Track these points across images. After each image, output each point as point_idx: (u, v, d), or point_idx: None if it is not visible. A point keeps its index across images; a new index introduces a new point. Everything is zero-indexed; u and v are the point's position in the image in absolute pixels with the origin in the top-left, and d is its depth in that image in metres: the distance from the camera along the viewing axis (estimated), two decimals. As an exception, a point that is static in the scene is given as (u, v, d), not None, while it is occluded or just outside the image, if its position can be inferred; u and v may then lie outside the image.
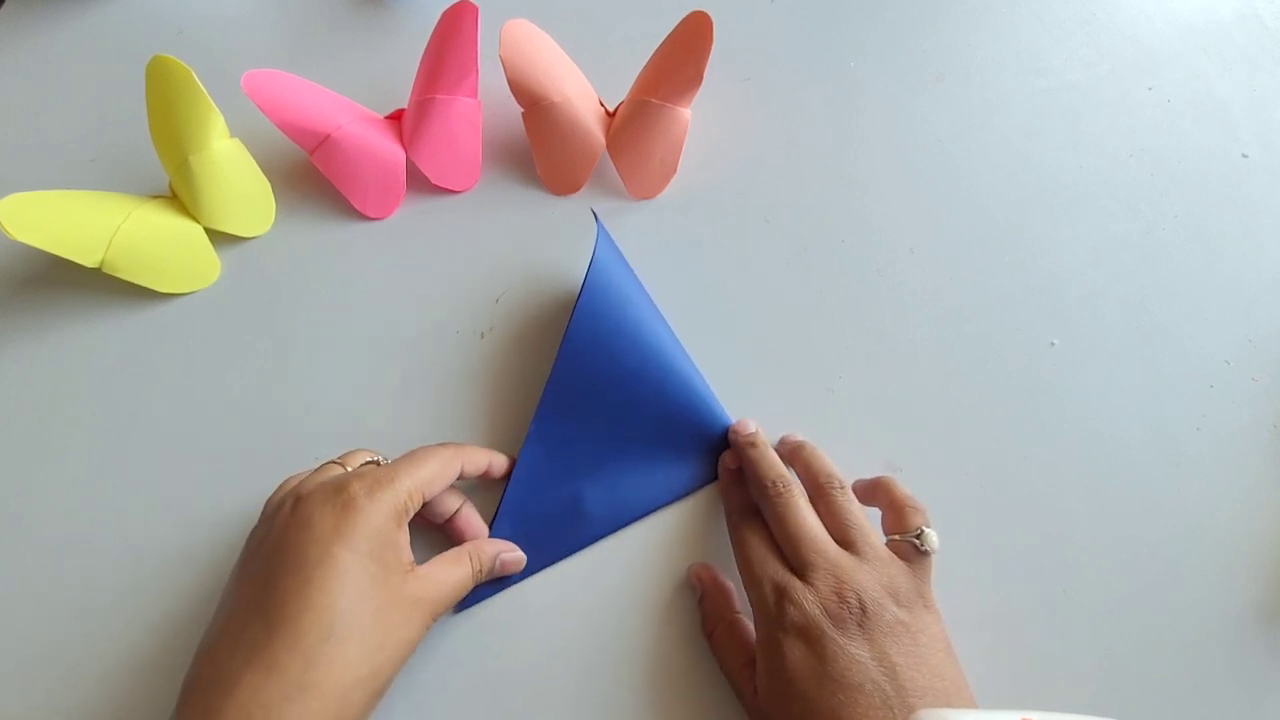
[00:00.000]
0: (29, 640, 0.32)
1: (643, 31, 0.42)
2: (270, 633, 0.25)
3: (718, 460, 0.35)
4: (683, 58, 0.39)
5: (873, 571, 0.28)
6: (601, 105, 0.43)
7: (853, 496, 0.31)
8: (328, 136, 0.40)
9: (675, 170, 0.42)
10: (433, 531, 0.34)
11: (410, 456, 0.30)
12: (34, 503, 0.35)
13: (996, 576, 0.34)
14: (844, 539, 0.30)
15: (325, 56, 0.47)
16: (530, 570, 0.33)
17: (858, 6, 0.49)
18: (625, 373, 0.34)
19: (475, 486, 0.35)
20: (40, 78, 0.47)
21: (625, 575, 0.34)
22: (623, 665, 0.32)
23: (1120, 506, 0.35)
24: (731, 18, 0.46)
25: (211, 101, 0.37)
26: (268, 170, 0.41)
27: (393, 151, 0.41)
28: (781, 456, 0.34)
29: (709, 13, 0.37)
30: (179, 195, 0.39)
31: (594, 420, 0.34)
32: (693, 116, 0.41)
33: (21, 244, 0.34)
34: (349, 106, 0.42)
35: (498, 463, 0.34)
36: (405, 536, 0.28)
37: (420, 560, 0.29)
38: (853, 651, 0.26)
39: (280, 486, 0.30)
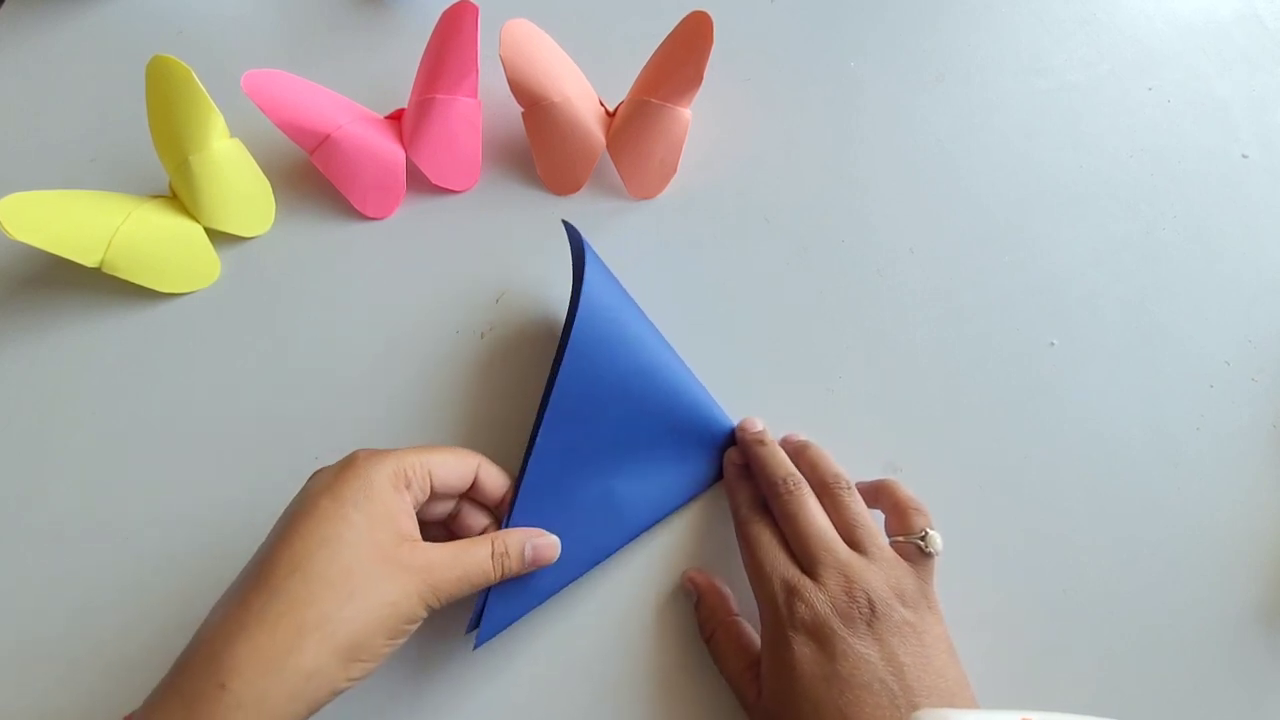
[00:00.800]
0: (28, 639, 0.32)
1: (643, 31, 0.42)
2: (247, 574, 0.25)
3: (721, 461, 0.35)
4: (683, 58, 0.39)
5: (880, 572, 0.28)
6: (601, 105, 0.43)
7: (859, 497, 0.31)
8: (328, 136, 0.40)
9: (675, 170, 0.42)
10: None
11: (425, 444, 0.30)
12: (34, 503, 0.35)
13: (996, 576, 0.34)
14: (851, 539, 0.30)
15: (325, 56, 0.47)
16: (548, 590, 0.32)
17: (858, 6, 0.49)
18: (626, 382, 0.34)
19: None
20: (40, 78, 0.47)
21: (618, 584, 0.33)
22: (621, 673, 0.32)
23: (1120, 506, 0.35)
24: (731, 18, 0.46)
25: (211, 101, 0.37)
26: (268, 170, 0.41)
27: (393, 151, 0.41)
28: None
29: (709, 13, 0.37)
30: (179, 195, 0.39)
31: (597, 432, 0.34)
32: (693, 116, 0.41)
33: (21, 244, 0.34)
34: (349, 106, 0.42)
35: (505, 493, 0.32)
36: (405, 504, 0.27)
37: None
38: (861, 651, 0.26)
39: None
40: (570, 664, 0.32)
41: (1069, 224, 0.42)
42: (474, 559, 0.28)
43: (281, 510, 0.28)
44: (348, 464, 0.27)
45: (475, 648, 0.30)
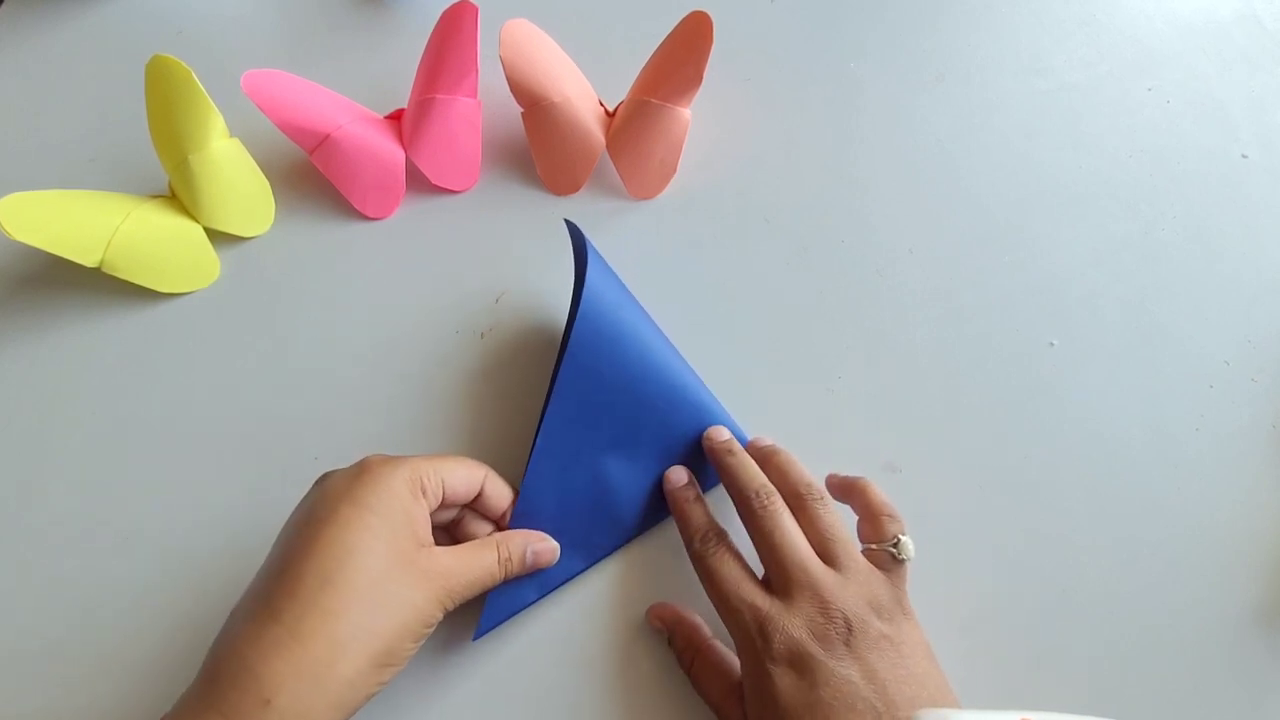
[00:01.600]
0: (27, 639, 0.32)
1: (643, 31, 0.42)
2: (272, 583, 0.25)
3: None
4: (683, 58, 0.39)
5: (855, 587, 0.28)
6: (601, 105, 0.43)
7: (832, 507, 0.31)
8: (327, 136, 0.40)
9: (675, 170, 0.42)
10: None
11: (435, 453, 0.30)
12: (34, 503, 0.35)
13: (995, 576, 0.34)
14: (825, 552, 0.29)
15: (325, 56, 0.47)
16: (548, 586, 0.32)
17: (858, 7, 0.49)
18: (628, 382, 0.34)
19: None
20: (40, 78, 0.47)
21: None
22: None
23: (1119, 507, 0.35)
24: (731, 18, 0.46)
25: (211, 101, 0.37)
26: (267, 170, 0.41)
27: (392, 151, 0.41)
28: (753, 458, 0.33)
29: (709, 13, 0.37)
30: (178, 195, 0.39)
31: (598, 432, 0.34)
32: (693, 116, 0.41)
33: (21, 244, 0.34)
34: (349, 106, 0.42)
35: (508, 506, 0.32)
36: (422, 510, 0.28)
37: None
38: (842, 673, 0.26)
39: None
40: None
41: (1069, 224, 0.42)
42: (483, 564, 0.29)
43: (280, 508, 0.28)
44: (364, 470, 0.27)
45: (474, 639, 0.31)
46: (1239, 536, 0.34)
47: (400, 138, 0.42)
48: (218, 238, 0.40)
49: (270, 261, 0.41)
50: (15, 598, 0.33)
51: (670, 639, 0.31)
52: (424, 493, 0.28)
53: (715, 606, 0.30)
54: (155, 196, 0.40)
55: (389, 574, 0.26)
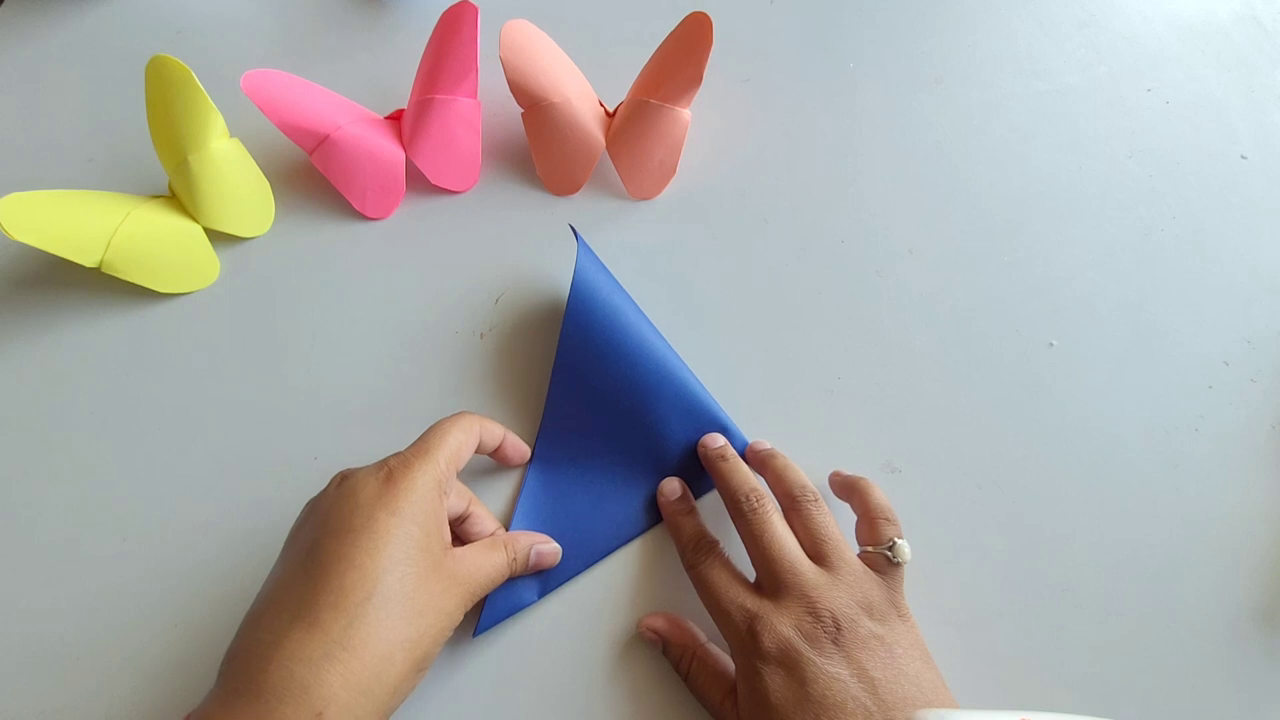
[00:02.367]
0: (27, 639, 0.32)
1: (643, 32, 0.42)
2: (315, 592, 0.25)
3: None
4: (682, 58, 0.39)
5: (846, 588, 0.28)
6: (601, 106, 0.43)
7: (825, 509, 0.31)
8: (327, 137, 0.40)
9: (675, 171, 0.42)
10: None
11: (433, 430, 0.30)
12: (33, 502, 0.35)
13: (994, 577, 0.34)
14: (817, 554, 0.30)
15: (325, 56, 0.47)
16: (550, 586, 0.33)
17: (857, 8, 0.49)
18: (621, 385, 0.34)
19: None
20: (40, 78, 0.47)
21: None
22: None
23: (1118, 507, 0.35)
24: (731, 18, 0.46)
25: (210, 101, 0.37)
26: (267, 170, 0.41)
27: (392, 152, 0.41)
28: (750, 464, 0.33)
29: (709, 13, 0.37)
30: (178, 195, 0.39)
31: (595, 437, 0.34)
32: (692, 117, 0.41)
33: (21, 244, 0.34)
34: (348, 107, 0.42)
35: (513, 444, 0.33)
36: (444, 512, 0.28)
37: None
38: (831, 671, 0.26)
39: None
40: (561, 669, 0.32)
41: (1068, 225, 0.42)
42: (495, 564, 0.29)
43: (279, 508, 0.28)
44: (394, 474, 0.27)
45: (474, 635, 0.31)
46: (1237, 537, 0.34)
47: (400, 138, 0.42)
48: (217, 238, 0.40)
49: (270, 262, 0.41)
50: (14, 597, 0.33)
51: (665, 648, 0.31)
52: (446, 493, 0.28)
53: (709, 613, 0.30)
54: (155, 197, 0.40)
55: (425, 582, 0.26)
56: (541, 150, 0.42)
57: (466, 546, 0.29)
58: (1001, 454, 0.36)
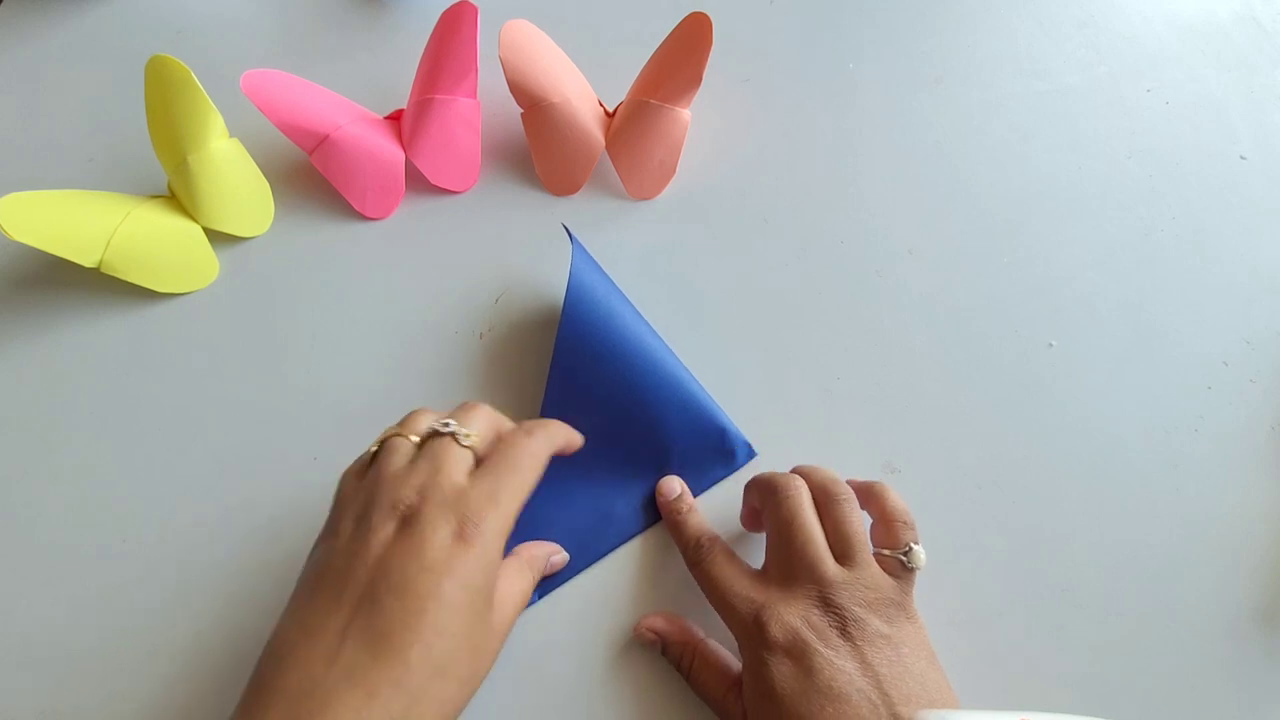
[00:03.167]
0: (26, 640, 0.32)
1: (643, 31, 0.42)
2: (375, 659, 0.24)
3: (718, 465, 0.35)
4: (682, 58, 0.39)
5: (862, 587, 0.28)
6: (601, 106, 0.43)
7: (858, 509, 0.31)
8: (326, 137, 0.40)
9: (674, 171, 0.42)
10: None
11: (506, 457, 0.28)
12: (33, 503, 0.35)
13: (994, 577, 0.34)
14: (841, 551, 0.29)
15: (325, 56, 0.47)
16: (550, 587, 0.33)
17: (857, 8, 0.49)
18: (617, 384, 0.34)
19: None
20: (40, 78, 0.47)
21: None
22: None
23: (1118, 507, 0.35)
24: (731, 18, 0.46)
25: (210, 101, 0.37)
26: (266, 170, 0.41)
27: (392, 152, 0.41)
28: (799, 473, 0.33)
29: (708, 13, 0.37)
30: (177, 195, 0.39)
31: (591, 437, 0.34)
32: (692, 117, 0.41)
33: (20, 244, 0.34)
34: (348, 107, 0.42)
35: (576, 441, 0.32)
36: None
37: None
38: (837, 663, 0.26)
39: (351, 474, 0.29)
40: (561, 668, 0.32)
41: (1068, 225, 0.42)
42: (524, 592, 0.30)
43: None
44: (464, 533, 0.26)
45: None
46: (1237, 537, 0.34)
47: (400, 138, 0.42)
48: (217, 238, 0.40)
49: (269, 262, 0.41)
50: (14, 597, 0.33)
51: (664, 647, 0.31)
52: (508, 534, 0.27)
53: (715, 608, 0.30)
54: (154, 197, 0.40)
55: (480, 650, 0.26)
56: (541, 150, 0.42)
57: (501, 581, 0.27)
58: (1001, 454, 0.36)
